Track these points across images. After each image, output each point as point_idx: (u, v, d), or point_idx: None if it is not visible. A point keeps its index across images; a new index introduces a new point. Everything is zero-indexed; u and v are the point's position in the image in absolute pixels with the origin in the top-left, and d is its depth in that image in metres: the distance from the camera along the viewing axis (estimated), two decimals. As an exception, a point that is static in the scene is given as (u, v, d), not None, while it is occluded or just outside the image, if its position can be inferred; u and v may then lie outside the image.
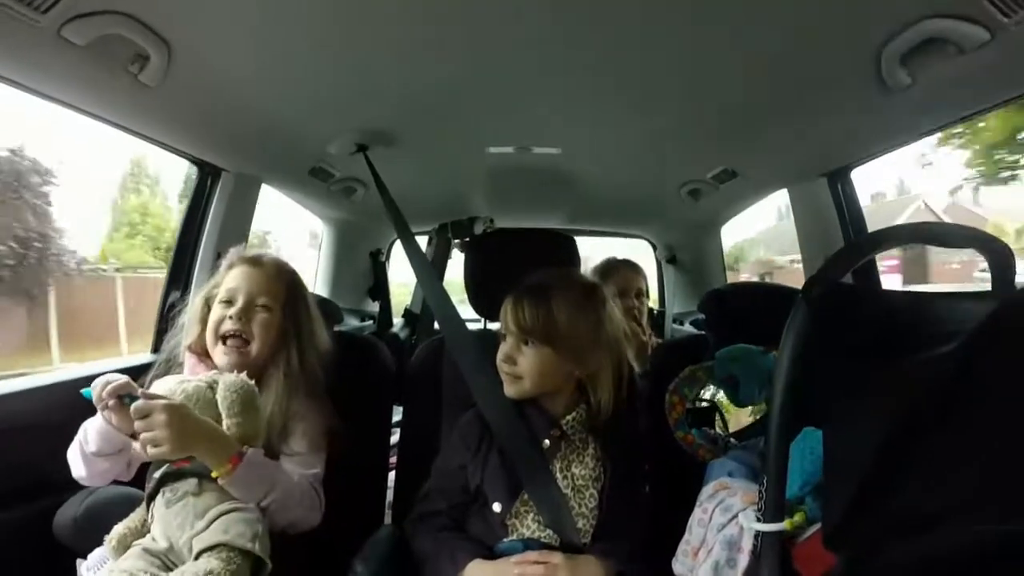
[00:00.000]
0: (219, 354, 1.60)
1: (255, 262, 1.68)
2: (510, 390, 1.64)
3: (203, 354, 1.65)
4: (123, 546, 1.38)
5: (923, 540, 0.85)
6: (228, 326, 1.60)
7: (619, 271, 2.90)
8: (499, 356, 1.64)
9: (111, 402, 1.36)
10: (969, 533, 0.79)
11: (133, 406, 1.34)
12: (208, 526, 1.36)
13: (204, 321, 1.66)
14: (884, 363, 0.95)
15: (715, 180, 2.80)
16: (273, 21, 1.50)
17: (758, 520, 1.10)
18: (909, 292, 1.23)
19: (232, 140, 2.21)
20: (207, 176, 2.38)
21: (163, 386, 1.49)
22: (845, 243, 2.39)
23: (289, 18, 1.48)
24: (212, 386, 1.49)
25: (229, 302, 1.62)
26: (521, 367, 1.61)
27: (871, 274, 2.37)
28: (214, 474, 1.40)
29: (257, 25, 1.52)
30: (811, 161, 2.38)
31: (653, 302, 3.52)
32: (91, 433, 1.45)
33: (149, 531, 1.41)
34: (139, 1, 1.41)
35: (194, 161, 2.30)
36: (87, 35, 1.41)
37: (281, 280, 1.69)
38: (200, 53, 1.62)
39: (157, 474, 1.44)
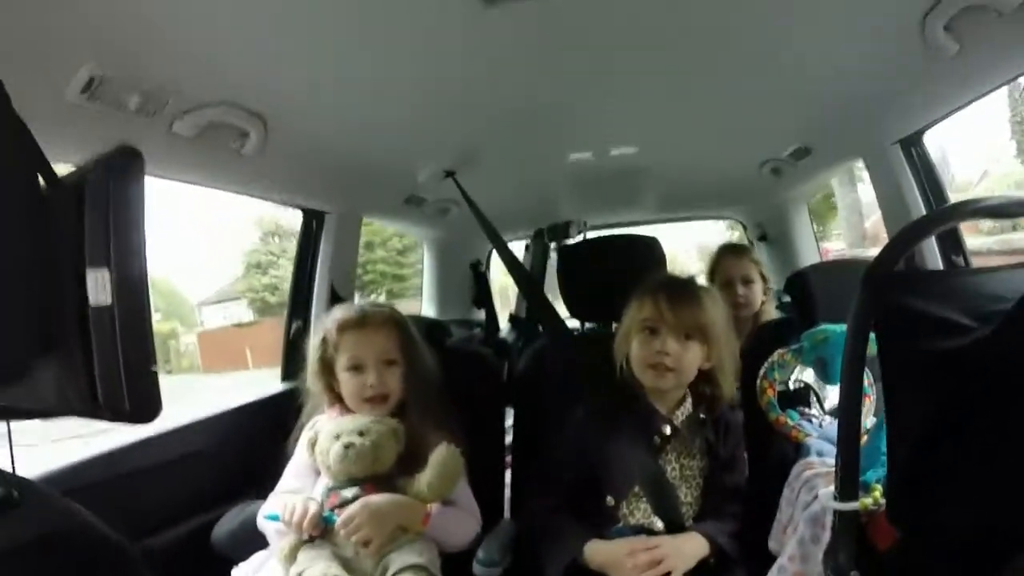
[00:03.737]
0: (365, 411, 1.74)
1: (364, 324, 1.78)
2: (658, 382, 1.72)
3: (342, 404, 1.80)
4: (294, 555, 1.53)
5: (977, 512, 0.91)
6: (369, 393, 1.73)
7: (723, 260, 2.82)
8: (651, 349, 1.70)
9: (315, 531, 1.56)
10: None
11: (338, 525, 1.54)
12: (398, 548, 1.56)
13: (329, 386, 1.80)
14: (939, 345, 0.97)
15: (792, 157, 2.82)
16: (352, 75, 1.65)
17: (835, 499, 1.16)
18: (977, 268, 1.24)
19: (330, 185, 2.39)
20: (311, 220, 2.57)
21: (353, 423, 1.68)
22: (925, 209, 2.38)
23: (366, 68, 1.62)
24: (396, 431, 1.69)
25: (357, 368, 1.75)
26: (676, 360, 1.69)
27: (955, 242, 2.37)
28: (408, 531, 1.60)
29: (339, 80, 1.67)
30: (881, 130, 2.38)
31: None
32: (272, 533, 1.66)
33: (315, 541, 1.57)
34: (234, 89, 1.60)
35: (299, 208, 2.51)
36: (194, 127, 1.61)
37: (393, 330, 1.80)
38: (292, 119, 1.80)
39: (347, 493, 1.61)
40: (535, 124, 2.19)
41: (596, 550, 1.61)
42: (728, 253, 2.85)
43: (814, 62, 1.87)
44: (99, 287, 0.82)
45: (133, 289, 0.85)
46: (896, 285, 1.08)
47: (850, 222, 13.92)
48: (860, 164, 2.75)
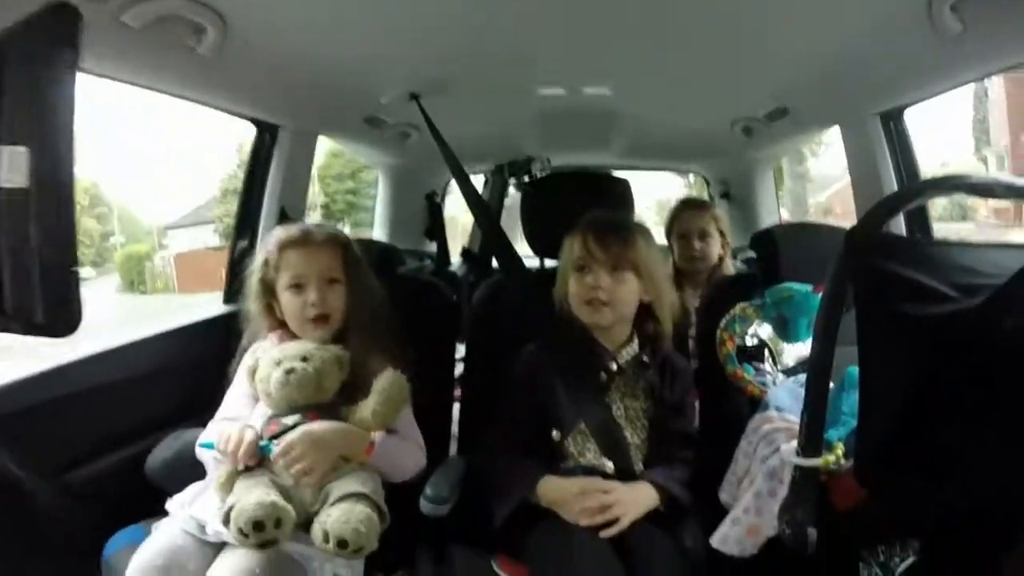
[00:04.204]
0: (307, 332, 1.70)
1: (306, 241, 1.74)
2: (594, 317, 1.73)
3: (284, 329, 1.76)
4: (231, 484, 1.47)
5: (950, 479, 0.89)
6: (311, 313, 1.69)
7: (681, 214, 2.83)
8: (584, 285, 1.72)
9: (251, 460, 1.49)
10: (995, 476, 0.82)
11: (276, 454, 1.48)
12: (340, 477, 1.51)
13: (270, 308, 1.76)
14: (918, 310, 0.98)
15: (767, 118, 2.77)
16: None
17: (797, 454, 1.15)
18: (951, 241, 1.24)
19: (288, 98, 2.28)
20: (265, 134, 2.45)
21: (295, 348, 1.63)
22: (897, 185, 2.38)
23: None
24: (340, 358, 1.64)
25: (298, 286, 1.70)
26: (609, 294, 1.71)
27: (923, 221, 2.38)
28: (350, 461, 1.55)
29: None
30: (864, 101, 2.36)
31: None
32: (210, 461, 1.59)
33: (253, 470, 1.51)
34: None
35: (252, 121, 2.38)
36: (145, 18, 1.48)
37: (336, 248, 1.76)
38: (254, 21, 1.68)
39: (288, 420, 1.55)
40: (507, 54, 2.11)
41: (548, 487, 1.61)
42: (687, 207, 2.87)
43: (806, 23, 1.82)
44: (12, 166, 0.71)
45: (56, 173, 0.74)
46: (877, 248, 1.09)
47: (794, 194, 14.19)
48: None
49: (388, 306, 1.83)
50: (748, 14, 1.75)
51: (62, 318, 0.82)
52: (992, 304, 0.90)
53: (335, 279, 1.73)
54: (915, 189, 1.30)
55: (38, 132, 0.71)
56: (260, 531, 1.33)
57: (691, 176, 5.07)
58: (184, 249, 22.09)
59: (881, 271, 1.04)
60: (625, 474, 1.67)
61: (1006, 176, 1.17)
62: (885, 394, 1.01)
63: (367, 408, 1.58)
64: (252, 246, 2.39)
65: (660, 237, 2.56)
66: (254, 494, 1.39)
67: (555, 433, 1.72)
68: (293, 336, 1.73)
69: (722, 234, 2.76)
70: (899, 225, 2.35)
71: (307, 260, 1.71)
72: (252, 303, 1.78)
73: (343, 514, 1.40)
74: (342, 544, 1.36)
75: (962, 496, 0.89)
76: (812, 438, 1.13)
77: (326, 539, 1.37)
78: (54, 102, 0.71)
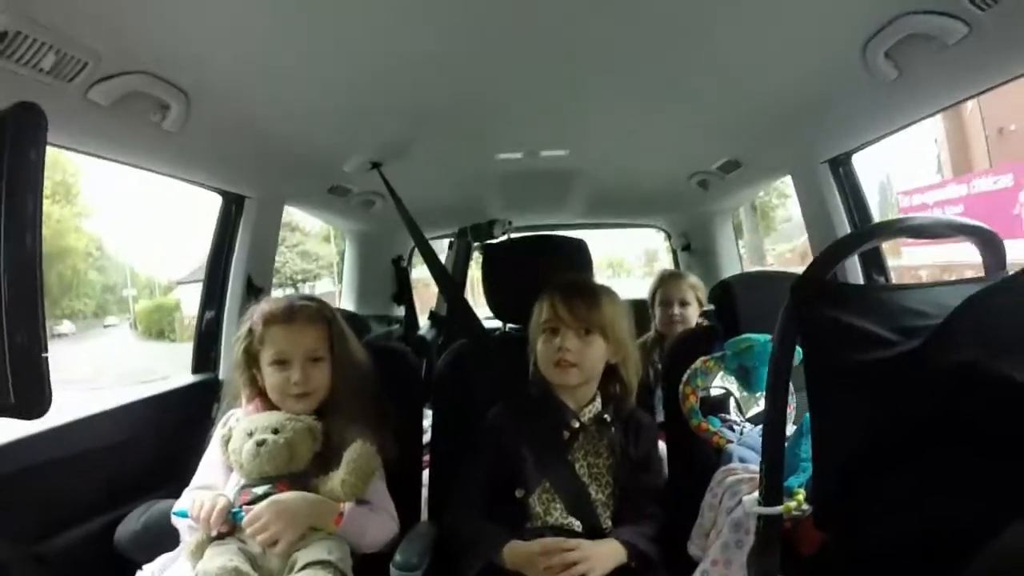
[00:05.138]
0: (289, 405, 1.69)
1: (291, 318, 1.72)
2: (563, 377, 1.77)
3: (262, 398, 1.74)
4: (201, 551, 1.47)
5: (903, 519, 0.92)
6: (295, 390, 1.68)
7: (663, 283, 2.99)
8: (552, 347, 1.76)
9: (223, 527, 1.50)
10: (947, 513, 0.85)
11: (244, 523, 1.49)
12: (308, 545, 1.50)
13: (252, 378, 1.74)
14: (863, 357, 1.01)
15: (721, 170, 2.86)
16: (280, 53, 1.59)
17: (759, 504, 1.17)
18: (898, 284, 1.29)
19: (253, 169, 2.31)
20: (231, 204, 2.47)
21: (268, 419, 1.63)
22: (850, 228, 2.44)
23: (296, 48, 1.57)
24: (312, 429, 1.65)
25: (282, 363, 1.69)
26: (577, 355, 1.74)
27: (879, 263, 2.43)
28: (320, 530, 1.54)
29: (266, 60, 1.61)
30: (811, 149, 2.43)
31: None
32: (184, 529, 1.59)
33: (224, 538, 1.51)
34: (156, 58, 1.52)
35: (218, 191, 2.41)
36: (111, 95, 1.52)
37: (321, 326, 1.75)
38: (217, 96, 1.73)
39: (259, 490, 1.56)
40: (465, 121, 2.17)
41: (512, 550, 1.61)
42: (669, 277, 3.04)
43: (752, 79, 1.90)
44: (-16, 260, 0.73)
45: (24, 264, 0.77)
46: (822, 297, 1.11)
47: (751, 244, 14.38)
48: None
49: (372, 378, 1.82)
50: (697, 71, 1.82)
51: (33, 400, 0.83)
52: (931, 345, 0.92)
53: (319, 357, 1.72)
54: (857, 236, 1.34)
55: (5, 225, 0.73)
56: None
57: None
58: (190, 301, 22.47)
59: (826, 320, 1.07)
60: (593, 532, 1.68)
61: (948, 216, 1.20)
62: (836, 440, 1.03)
63: (337, 479, 1.58)
64: (220, 316, 2.41)
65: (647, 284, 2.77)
66: (218, 560, 1.40)
67: (518, 491, 1.73)
68: (269, 405, 1.72)
69: (701, 302, 2.91)
70: (854, 265, 2.41)
71: (292, 338, 1.70)
72: (235, 372, 1.77)
73: None
74: None
75: (918, 536, 0.90)
76: (772, 486, 1.14)
77: None
78: (22, 196, 0.73)
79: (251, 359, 1.74)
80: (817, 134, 2.31)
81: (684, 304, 2.91)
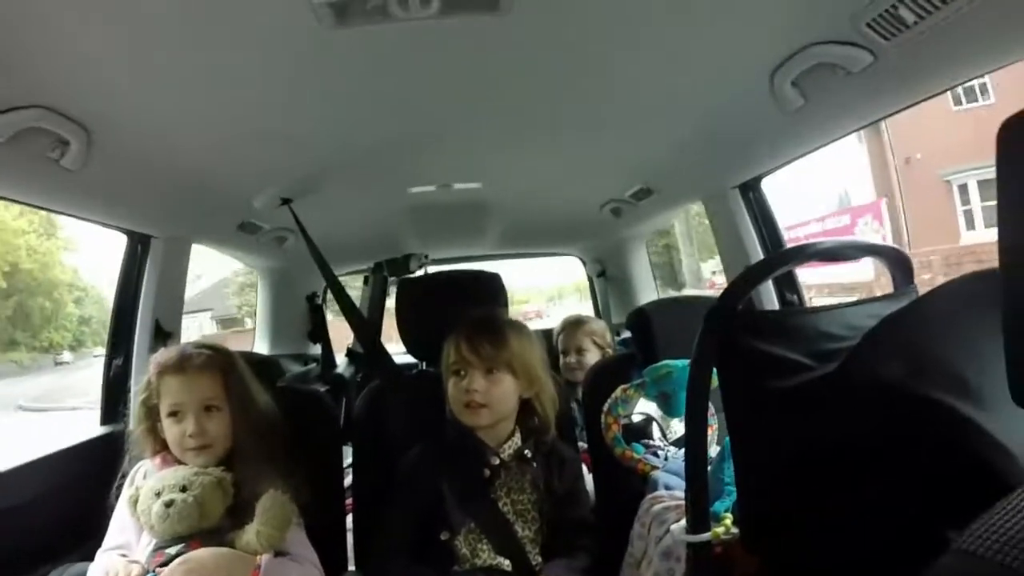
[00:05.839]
0: (189, 459, 1.62)
1: (183, 368, 1.64)
2: (473, 419, 1.73)
3: (168, 451, 1.66)
4: None
5: (834, 541, 0.93)
6: (190, 444, 1.60)
7: (564, 332, 2.99)
8: (460, 389, 1.73)
9: None
10: (879, 535, 0.86)
11: None
12: None
13: (152, 431, 1.67)
14: (779, 383, 1.03)
15: (633, 198, 2.90)
16: (186, 89, 1.54)
17: (687, 531, 1.18)
18: (810, 308, 1.31)
19: (158, 207, 2.23)
20: (136, 244, 2.37)
21: (175, 477, 1.55)
22: (762, 252, 2.51)
23: (201, 85, 1.53)
24: (222, 482, 1.57)
25: (176, 415, 1.62)
26: (485, 396, 1.71)
27: (792, 285, 2.50)
28: None
29: (169, 95, 1.56)
30: (721, 175, 2.49)
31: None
32: None
33: None
34: (54, 93, 1.45)
35: (122, 231, 2.31)
36: (3, 132, 1.45)
37: (216, 374, 1.67)
38: (119, 132, 1.66)
39: (172, 551, 1.48)
40: (377, 155, 2.15)
41: None
42: (567, 326, 3.02)
43: (661, 108, 1.93)
44: None
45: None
46: (737, 325, 1.13)
47: (691, 268, 14.66)
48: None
49: (278, 424, 1.75)
50: (606, 102, 1.84)
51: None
52: (850, 366, 0.94)
53: (214, 406, 1.64)
54: (769, 262, 1.38)
55: None
56: None
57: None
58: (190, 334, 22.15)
59: (741, 347, 1.09)
60: (523, 570, 1.66)
61: (856, 238, 1.24)
62: (757, 463, 1.05)
63: (252, 531, 1.51)
64: (128, 363, 2.30)
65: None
66: None
67: (443, 534, 1.70)
68: (176, 459, 1.64)
69: (601, 347, 2.94)
70: (768, 288, 2.47)
71: (185, 388, 1.63)
72: (135, 425, 1.69)
73: None
74: None
75: (851, 558, 0.91)
76: (698, 513, 1.15)
77: None
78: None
79: (150, 411, 1.67)
80: (727, 160, 2.37)
81: (580, 352, 2.91)
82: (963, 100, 11.28)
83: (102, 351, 2.33)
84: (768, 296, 2.46)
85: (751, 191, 2.54)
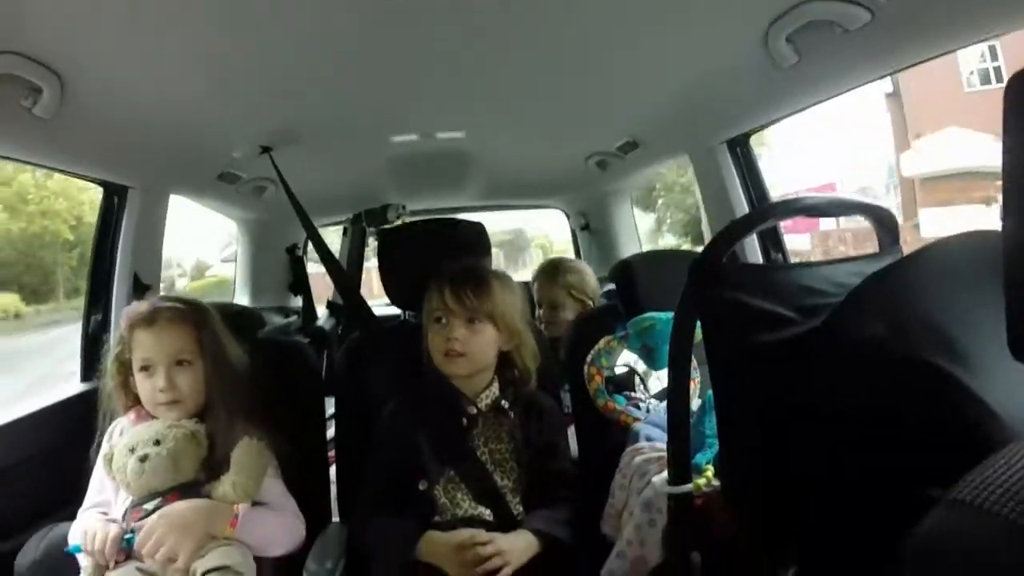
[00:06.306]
0: (161, 414, 1.61)
1: (154, 321, 1.63)
2: (452, 367, 1.75)
3: (140, 407, 1.66)
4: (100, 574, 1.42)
5: (815, 498, 0.94)
6: (162, 399, 1.60)
7: (537, 282, 2.74)
8: (441, 337, 1.74)
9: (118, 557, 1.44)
10: (860, 494, 0.85)
11: (137, 544, 1.43)
12: (206, 554, 1.44)
13: (125, 386, 1.66)
14: (763, 337, 1.03)
15: (619, 151, 2.88)
16: (162, 35, 1.50)
17: (669, 483, 1.19)
18: (792, 263, 1.31)
19: (135, 157, 2.19)
20: (112, 196, 2.32)
21: (148, 431, 1.55)
22: (748, 208, 2.50)
23: (178, 30, 1.48)
24: (195, 434, 1.57)
25: (147, 369, 1.61)
26: (466, 345, 1.73)
27: (777, 243, 2.50)
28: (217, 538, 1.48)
29: (146, 42, 1.52)
30: (710, 130, 2.47)
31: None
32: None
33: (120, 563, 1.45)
34: (25, 38, 1.41)
35: (98, 183, 2.26)
36: None
37: (187, 327, 1.66)
38: (93, 79, 1.62)
39: (149, 506, 1.48)
40: (358, 104, 2.13)
41: (427, 545, 1.60)
42: (538, 276, 2.78)
43: (651, 60, 1.90)
44: None
45: None
46: (721, 279, 1.13)
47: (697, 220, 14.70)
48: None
49: (253, 377, 1.74)
50: (596, 52, 1.82)
51: None
52: (834, 322, 0.94)
53: (186, 360, 1.63)
54: (754, 216, 1.38)
55: None
56: None
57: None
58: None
59: (725, 301, 1.09)
60: (505, 520, 1.68)
61: (842, 195, 1.23)
62: (740, 417, 1.06)
63: (227, 481, 1.52)
64: (107, 318, 2.28)
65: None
66: None
67: (422, 484, 1.71)
68: (149, 414, 1.64)
69: (579, 299, 2.65)
70: (753, 245, 2.47)
71: (155, 341, 1.62)
72: (108, 380, 1.68)
73: None
74: None
75: (827, 512, 0.91)
76: (679, 465, 1.16)
77: None
78: None
79: (123, 366, 1.66)
80: (716, 115, 2.35)
81: (554, 307, 2.63)
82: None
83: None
84: (753, 253, 2.46)
85: (739, 147, 2.52)
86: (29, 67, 1.48)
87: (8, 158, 1.83)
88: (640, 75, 2.01)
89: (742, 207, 2.51)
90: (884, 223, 1.26)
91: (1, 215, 13.67)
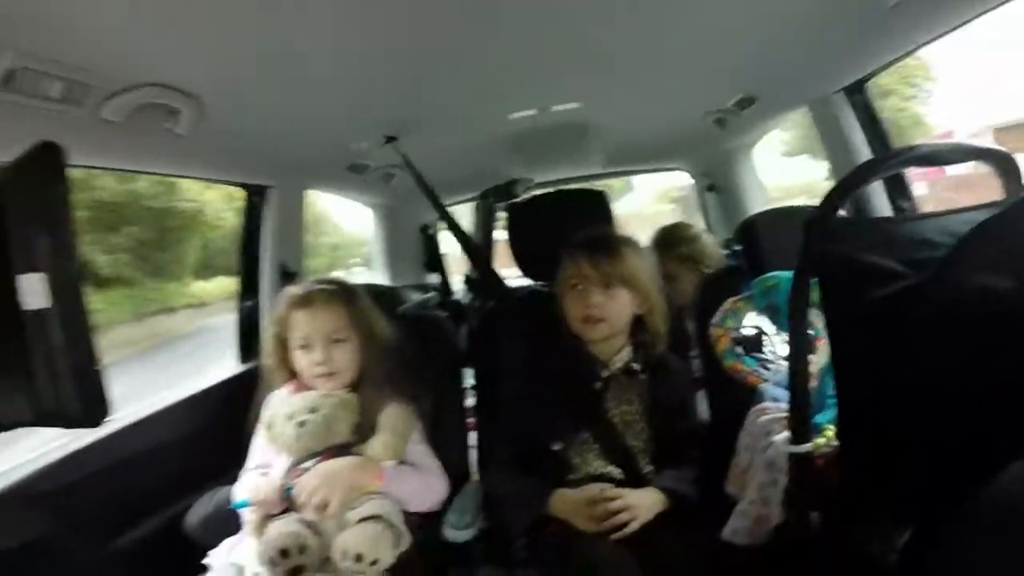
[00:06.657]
0: (319, 386, 1.77)
1: (309, 302, 1.78)
2: (591, 332, 1.82)
3: (297, 380, 1.82)
4: (263, 527, 1.57)
5: (931, 456, 0.93)
6: (318, 371, 1.75)
7: (654, 246, 2.65)
8: (579, 303, 1.80)
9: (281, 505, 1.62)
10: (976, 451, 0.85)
11: (295, 492, 1.60)
12: (358, 504, 1.60)
13: (284, 362, 1.82)
14: (875, 292, 1.02)
15: (736, 107, 2.82)
16: (286, 45, 1.60)
17: (790, 442, 1.19)
18: (907, 215, 1.26)
19: (270, 159, 2.36)
20: (254, 196, 2.53)
21: (304, 400, 1.72)
22: (872, 156, 2.42)
23: (300, 37, 1.57)
24: (347, 402, 1.73)
25: (306, 346, 1.76)
26: (604, 310, 1.79)
27: (904, 191, 2.42)
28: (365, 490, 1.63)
29: (270, 49, 1.61)
30: (823, 77, 2.41)
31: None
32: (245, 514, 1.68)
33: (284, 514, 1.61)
34: (163, 68, 1.55)
35: (240, 185, 2.47)
36: (123, 111, 1.56)
37: (340, 307, 1.80)
38: (226, 95, 1.76)
39: (307, 464, 1.65)
40: (475, 86, 2.18)
41: (558, 502, 1.68)
42: (657, 244, 2.70)
43: (755, 10, 1.86)
44: (32, 291, 0.80)
45: (68, 289, 0.83)
46: (833, 234, 1.11)
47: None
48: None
49: (401, 349, 1.89)
50: (699, 8, 1.79)
51: (95, 409, 0.90)
52: (944, 274, 0.93)
53: (340, 339, 1.78)
54: (868, 166, 1.31)
55: (46, 256, 0.79)
56: (286, 557, 1.44)
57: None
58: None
59: (837, 257, 1.08)
60: (634, 478, 1.74)
61: (963, 142, 1.18)
62: (856, 376, 1.05)
63: (377, 441, 1.68)
64: (257, 305, 2.49)
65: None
66: (278, 527, 1.51)
67: (556, 445, 1.78)
68: (306, 386, 1.79)
69: (696, 266, 2.57)
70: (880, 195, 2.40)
71: (312, 321, 1.77)
72: (267, 358, 1.85)
73: (358, 532, 1.51)
74: (358, 558, 1.45)
75: (947, 473, 0.90)
76: (800, 424, 1.15)
77: (345, 556, 1.46)
78: (55, 228, 0.79)
79: (281, 344, 1.82)
80: (828, 62, 2.29)
81: (668, 278, 2.38)
82: None
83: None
84: (881, 204, 2.39)
85: (856, 94, 2.44)
86: (168, 94, 1.62)
87: (157, 174, 2.00)
88: (746, 26, 1.97)
89: (865, 155, 2.45)
90: (1008, 169, 1.20)
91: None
